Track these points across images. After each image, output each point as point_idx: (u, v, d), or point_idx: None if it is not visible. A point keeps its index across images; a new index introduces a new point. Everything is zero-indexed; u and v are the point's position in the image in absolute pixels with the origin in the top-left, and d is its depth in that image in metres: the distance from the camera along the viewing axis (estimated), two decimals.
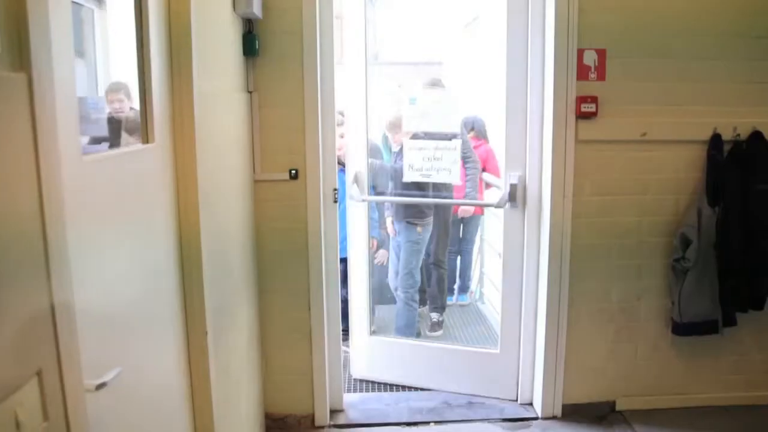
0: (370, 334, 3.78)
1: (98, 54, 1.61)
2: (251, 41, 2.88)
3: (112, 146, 1.60)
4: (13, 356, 0.94)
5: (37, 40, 1.00)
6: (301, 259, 3.14)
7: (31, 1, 0.98)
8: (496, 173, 4.15)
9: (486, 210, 4.70)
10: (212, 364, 2.11)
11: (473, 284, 5.08)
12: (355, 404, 3.51)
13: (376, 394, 3.65)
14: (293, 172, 3.06)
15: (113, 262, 1.47)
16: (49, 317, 1.03)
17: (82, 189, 1.26)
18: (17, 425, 0.93)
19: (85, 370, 1.17)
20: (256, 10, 2.76)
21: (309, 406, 3.28)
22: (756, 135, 3.16)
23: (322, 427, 3.28)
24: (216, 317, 2.18)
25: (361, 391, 3.69)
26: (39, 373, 1.00)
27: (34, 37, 0.99)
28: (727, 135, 3.16)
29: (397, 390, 3.68)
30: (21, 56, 0.98)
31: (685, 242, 3.17)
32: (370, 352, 3.76)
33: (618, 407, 3.41)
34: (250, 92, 3.00)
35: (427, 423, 3.33)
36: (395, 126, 3.95)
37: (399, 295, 4.18)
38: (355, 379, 3.78)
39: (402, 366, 3.72)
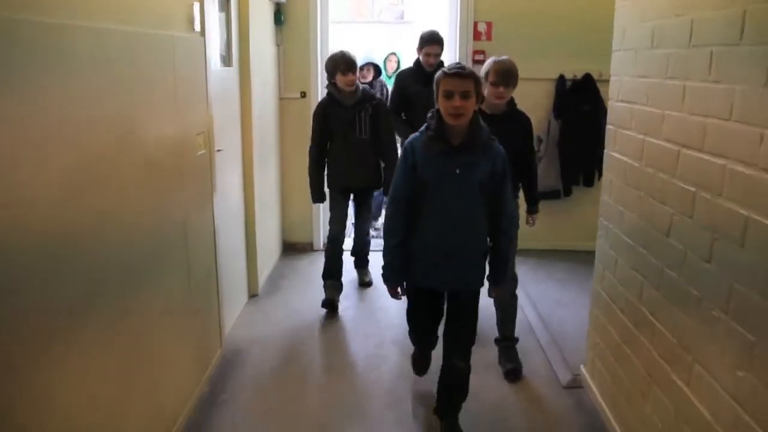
0: None
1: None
2: (278, 16, 4.93)
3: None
4: (194, 123, 3.05)
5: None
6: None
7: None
8: None
9: None
10: (256, 182, 4.23)
11: None
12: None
13: None
14: (302, 93, 5.13)
15: (220, 123, 3.56)
16: (209, 115, 3.14)
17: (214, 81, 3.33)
18: (199, 146, 3.04)
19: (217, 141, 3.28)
20: None
21: (310, 238, 5.41)
22: (587, 76, 5.11)
23: (318, 250, 5.39)
24: (260, 160, 4.29)
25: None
26: (202, 133, 3.10)
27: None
28: (569, 75, 5.11)
29: None
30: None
31: (539, 141, 5.17)
32: None
33: None
34: (278, 45, 5.05)
35: None
36: None
37: None
38: None
39: None
